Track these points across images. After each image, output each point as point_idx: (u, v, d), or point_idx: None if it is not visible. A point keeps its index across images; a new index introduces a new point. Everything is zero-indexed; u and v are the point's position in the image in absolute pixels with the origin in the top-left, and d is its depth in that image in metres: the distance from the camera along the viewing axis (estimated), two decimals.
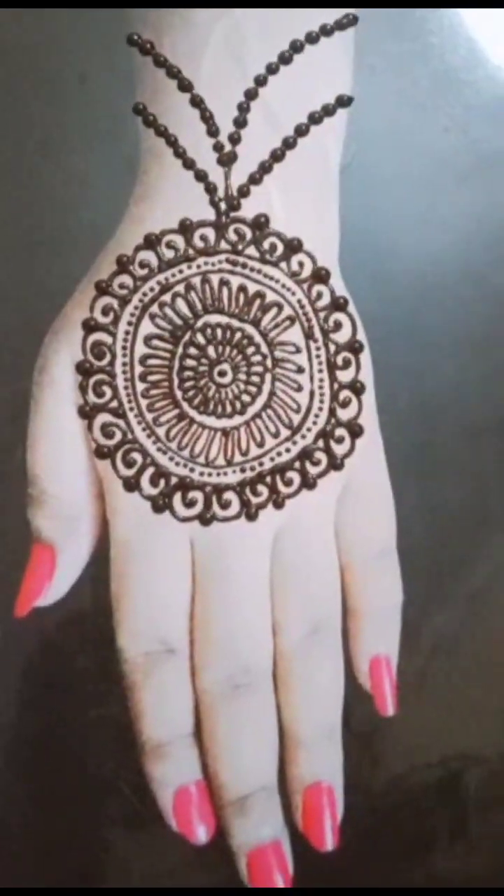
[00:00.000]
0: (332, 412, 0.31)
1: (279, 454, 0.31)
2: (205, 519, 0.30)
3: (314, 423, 0.31)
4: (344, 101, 0.31)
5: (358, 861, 0.30)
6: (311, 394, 0.31)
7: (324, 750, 0.31)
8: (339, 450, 0.31)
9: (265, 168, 0.31)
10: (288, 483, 0.31)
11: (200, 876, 0.30)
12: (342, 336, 0.31)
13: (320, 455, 0.31)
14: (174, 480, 0.30)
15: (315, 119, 0.31)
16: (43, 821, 0.30)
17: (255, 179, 0.31)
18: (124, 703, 0.30)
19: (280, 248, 0.31)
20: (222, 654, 0.30)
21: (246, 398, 0.31)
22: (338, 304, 0.31)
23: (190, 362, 0.31)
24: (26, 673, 0.31)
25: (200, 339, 0.31)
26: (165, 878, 0.30)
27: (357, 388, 0.31)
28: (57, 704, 0.31)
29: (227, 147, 0.30)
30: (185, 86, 0.30)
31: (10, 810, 0.30)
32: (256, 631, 0.31)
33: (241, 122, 0.30)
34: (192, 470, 0.31)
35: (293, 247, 0.31)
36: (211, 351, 0.31)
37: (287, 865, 0.30)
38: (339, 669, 0.31)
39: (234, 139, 0.30)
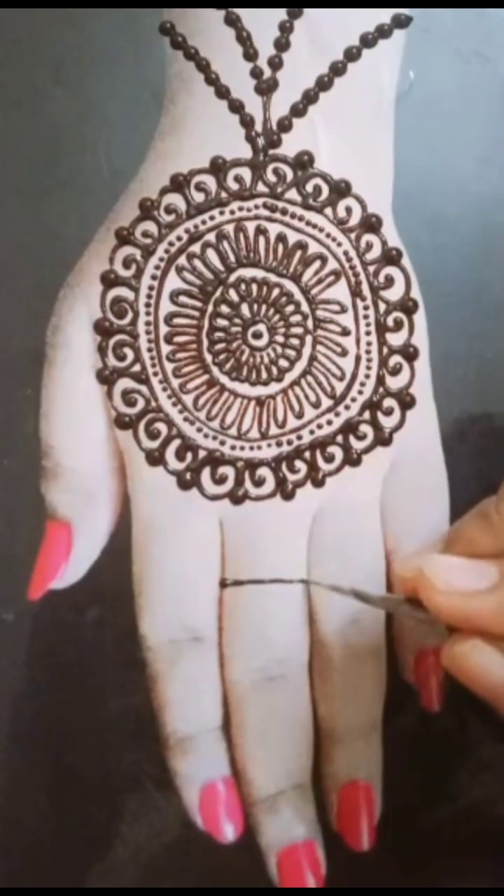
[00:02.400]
0: (380, 380, 0.29)
1: (320, 427, 0.29)
2: (236, 497, 0.28)
3: (360, 392, 0.29)
4: (402, 22, 0.28)
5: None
6: (357, 359, 0.29)
7: (362, 747, 0.29)
8: (387, 423, 0.29)
9: (310, 98, 0.28)
10: (329, 459, 0.29)
11: (223, 874, 0.29)
12: (394, 293, 0.29)
13: (366, 428, 0.29)
14: (203, 454, 0.28)
15: (368, 42, 0.28)
16: (59, 816, 0.29)
17: (298, 111, 0.28)
18: (147, 693, 0.28)
19: (325, 191, 0.28)
20: (254, 644, 0.28)
21: (283, 363, 0.28)
22: (390, 257, 0.29)
23: (221, 322, 0.28)
24: (41, 660, 0.29)
25: (233, 295, 0.28)
26: (185, 875, 0.29)
27: (409, 354, 0.29)
28: (74, 694, 0.29)
29: (267, 73, 0.28)
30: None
31: (26, 805, 0.29)
32: (291, 619, 0.29)
33: (282, 45, 0.28)
34: (222, 443, 0.28)
35: (340, 190, 0.28)
36: (245, 309, 0.28)
37: (320, 866, 0.29)
38: (382, 661, 0.29)
39: (275, 64, 0.28)
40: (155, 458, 0.28)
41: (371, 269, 0.28)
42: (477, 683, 0.23)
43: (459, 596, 0.22)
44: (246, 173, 0.28)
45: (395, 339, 0.29)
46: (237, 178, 0.28)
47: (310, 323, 0.28)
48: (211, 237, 0.28)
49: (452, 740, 0.30)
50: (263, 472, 0.29)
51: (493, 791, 0.30)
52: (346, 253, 0.28)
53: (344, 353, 0.29)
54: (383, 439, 0.29)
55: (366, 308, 0.29)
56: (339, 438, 0.29)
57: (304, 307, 0.28)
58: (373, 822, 0.29)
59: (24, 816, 0.29)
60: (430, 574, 0.22)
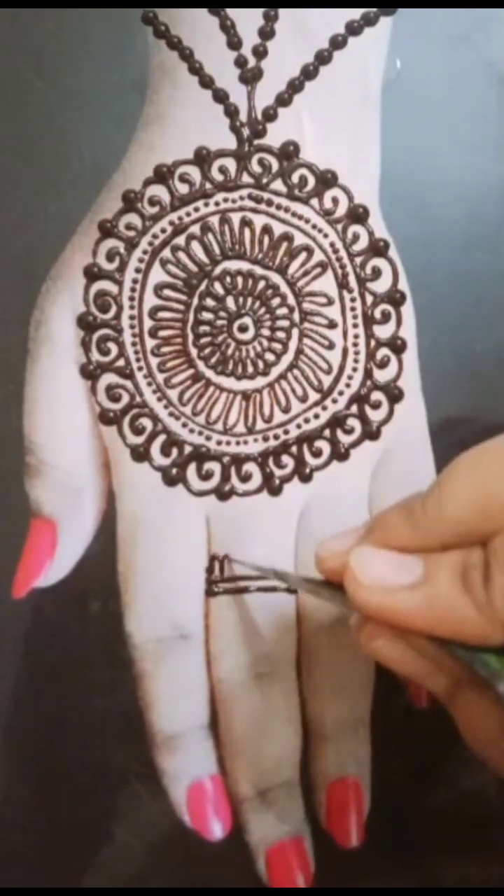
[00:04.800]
0: (367, 373, 0.28)
1: (307, 421, 0.28)
2: (222, 493, 0.28)
3: (347, 385, 0.28)
4: (387, 9, 0.28)
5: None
6: (345, 352, 0.28)
7: (350, 743, 0.29)
8: (375, 416, 0.29)
9: (295, 87, 0.28)
10: (316, 454, 0.28)
11: (212, 873, 0.28)
12: (381, 285, 0.28)
13: (353, 422, 0.28)
14: (188, 450, 0.28)
15: (354, 29, 0.28)
16: (46, 816, 0.29)
17: (283, 100, 0.28)
18: (133, 691, 0.28)
19: (311, 181, 0.28)
20: (241, 641, 0.28)
21: (270, 357, 0.28)
22: (377, 248, 0.28)
23: (206, 315, 0.28)
24: (25, 659, 0.29)
25: (218, 288, 0.28)
26: (174, 874, 0.29)
27: (397, 346, 0.28)
28: (59, 693, 0.29)
29: (252, 62, 0.27)
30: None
31: (12, 805, 0.29)
32: (279, 616, 0.28)
33: (267, 33, 0.27)
34: (208, 438, 0.28)
35: (326, 180, 0.28)
36: (230, 302, 0.28)
37: (309, 863, 0.29)
38: (370, 658, 0.28)
39: (260, 52, 0.27)
40: (140, 454, 0.28)
41: (358, 260, 0.28)
42: (395, 670, 0.24)
43: (383, 591, 0.22)
44: (231, 164, 0.28)
45: (383, 332, 0.28)
46: (222, 169, 0.28)
47: (296, 316, 0.28)
48: (195, 229, 0.28)
49: (440, 735, 0.30)
50: (250, 467, 0.28)
51: (482, 783, 0.30)
52: (332, 244, 0.28)
53: (331, 346, 0.28)
54: (371, 433, 0.28)
55: (353, 300, 0.28)
56: (327, 432, 0.28)
57: (291, 300, 0.28)
58: (362, 818, 0.29)
59: (12, 816, 0.29)
60: (356, 567, 0.22)
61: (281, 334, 0.28)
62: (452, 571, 0.21)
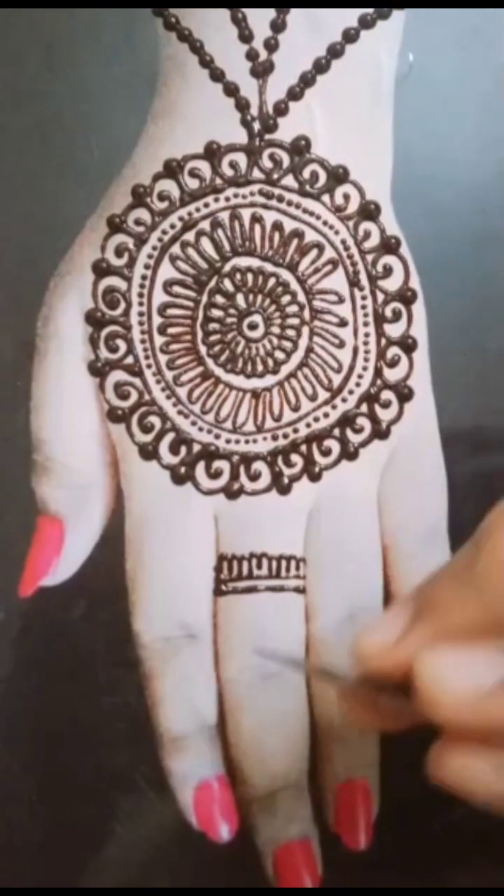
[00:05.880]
0: (378, 372, 0.28)
1: (316, 420, 0.28)
2: (231, 492, 0.28)
3: (357, 384, 0.28)
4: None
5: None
6: (355, 351, 0.28)
7: (359, 745, 0.29)
8: (384, 415, 0.28)
9: (307, 80, 0.27)
10: (326, 453, 0.28)
11: (218, 875, 0.28)
12: (392, 283, 0.28)
13: (363, 421, 0.28)
14: (197, 448, 0.28)
15: (366, 23, 0.27)
16: (52, 817, 0.29)
17: (294, 94, 0.27)
18: (140, 691, 0.28)
19: (322, 177, 0.27)
20: (249, 641, 0.28)
21: (279, 355, 0.28)
22: (388, 246, 0.28)
23: (216, 313, 0.28)
24: (31, 658, 0.29)
25: (228, 285, 0.28)
26: (181, 876, 0.29)
27: (408, 345, 0.28)
28: (66, 693, 0.29)
29: (263, 55, 0.27)
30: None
31: (17, 805, 0.29)
32: (287, 616, 0.28)
33: (279, 26, 0.27)
34: (217, 436, 0.28)
35: (338, 176, 0.27)
36: (240, 300, 0.28)
37: (316, 865, 0.28)
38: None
39: (271, 45, 0.27)
40: (148, 453, 0.28)
41: (369, 258, 0.28)
42: (476, 794, 0.20)
43: (473, 701, 0.18)
44: (241, 159, 0.27)
45: (394, 330, 0.28)
46: (232, 164, 0.27)
47: (306, 313, 0.28)
48: (205, 225, 0.27)
49: None
50: (259, 466, 0.28)
51: None
52: (343, 241, 0.28)
53: (341, 345, 0.28)
54: (381, 432, 0.28)
55: (363, 298, 0.28)
56: (336, 432, 0.28)
57: (301, 297, 0.28)
58: (370, 820, 0.28)
59: (17, 815, 0.29)
60: (432, 683, 0.18)
61: (291, 332, 0.28)
62: None
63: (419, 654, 0.19)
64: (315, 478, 0.28)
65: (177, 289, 0.27)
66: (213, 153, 0.27)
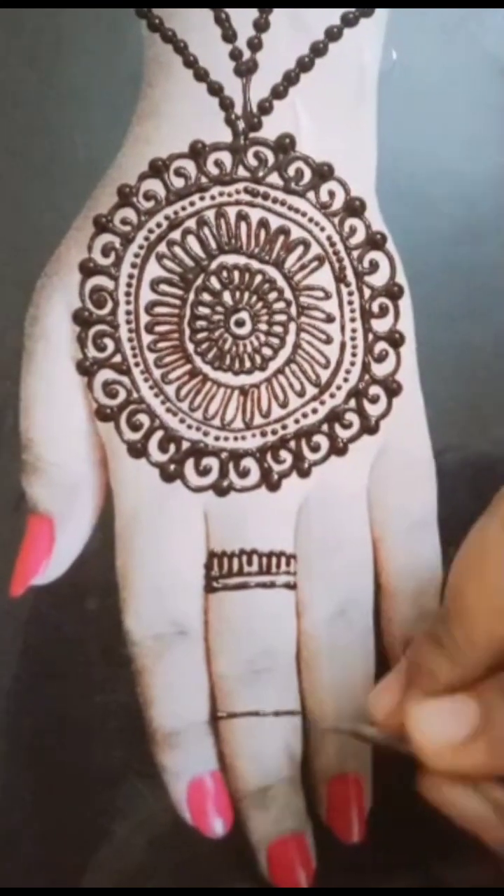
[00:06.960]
0: (365, 367, 0.28)
1: (305, 416, 0.28)
2: (221, 489, 0.28)
3: (345, 380, 0.28)
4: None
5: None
6: (342, 346, 0.28)
7: (351, 739, 0.28)
8: (373, 410, 0.28)
9: (291, 79, 0.27)
10: (314, 448, 0.28)
11: (213, 870, 0.28)
12: (379, 279, 0.28)
13: (352, 416, 0.28)
14: (186, 446, 0.28)
15: (349, 21, 0.27)
16: (46, 815, 0.29)
17: (278, 93, 0.27)
18: (133, 688, 0.28)
19: (307, 174, 0.28)
20: (240, 637, 0.28)
21: (267, 352, 0.28)
22: (374, 242, 0.28)
23: (203, 310, 0.28)
24: (23, 656, 0.29)
25: (215, 283, 0.28)
26: (175, 872, 0.29)
27: (395, 340, 0.28)
28: (58, 690, 0.29)
29: (247, 54, 0.27)
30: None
31: (11, 804, 0.29)
32: (278, 611, 0.28)
33: (262, 25, 0.27)
34: (205, 434, 0.28)
35: (322, 173, 0.28)
36: (227, 297, 0.28)
37: (310, 860, 0.28)
38: (370, 653, 0.29)
39: (255, 45, 0.27)
40: (137, 450, 0.28)
41: (355, 253, 0.28)
42: (461, 819, 0.24)
43: (450, 751, 0.22)
44: (226, 157, 0.27)
45: (381, 326, 0.28)
46: (217, 163, 0.27)
47: (293, 310, 0.28)
48: (191, 223, 0.28)
49: None
50: (248, 462, 0.28)
51: None
52: (329, 238, 0.28)
53: (328, 341, 0.28)
54: (369, 427, 0.28)
55: (350, 294, 0.28)
56: (325, 427, 0.28)
57: (288, 294, 0.28)
58: (363, 814, 0.29)
59: (11, 815, 0.29)
60: (418, 734, 0.22)
61: (278, 329, 0.28)
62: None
63: (408, 709, 0.23)
64: (304, 474, 0.28)
65: (164, 287, 0.28)
66: (198, 152, 0.27)
